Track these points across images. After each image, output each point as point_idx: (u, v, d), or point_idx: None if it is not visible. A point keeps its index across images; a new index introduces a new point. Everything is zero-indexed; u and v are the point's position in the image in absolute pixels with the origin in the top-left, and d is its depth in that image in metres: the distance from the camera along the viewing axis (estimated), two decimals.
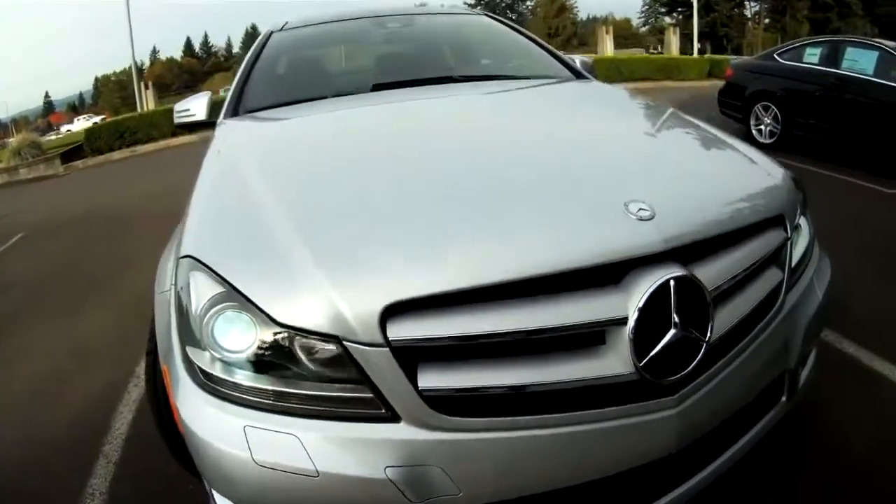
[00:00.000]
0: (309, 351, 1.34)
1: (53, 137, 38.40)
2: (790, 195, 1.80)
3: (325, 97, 2.85)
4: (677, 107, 2.63)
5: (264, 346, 1.35)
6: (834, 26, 63.57)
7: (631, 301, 1.30)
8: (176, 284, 1.60)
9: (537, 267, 1.31)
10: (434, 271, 1.32)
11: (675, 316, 1.32)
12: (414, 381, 1.29)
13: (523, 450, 1.34)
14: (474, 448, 1.32)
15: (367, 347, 1.28)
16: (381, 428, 1.32)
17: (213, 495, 1.53)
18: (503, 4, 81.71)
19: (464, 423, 1.31)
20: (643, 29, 79.86)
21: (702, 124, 2.32)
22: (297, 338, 1.33)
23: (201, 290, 1.43)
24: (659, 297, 1.30)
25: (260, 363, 1.37)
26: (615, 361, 1.32)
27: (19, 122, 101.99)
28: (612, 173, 1.69)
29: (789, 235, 1.70)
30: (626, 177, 1.65)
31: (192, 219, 1.77)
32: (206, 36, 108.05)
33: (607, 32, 30.35)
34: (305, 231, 1.49)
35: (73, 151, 18.74)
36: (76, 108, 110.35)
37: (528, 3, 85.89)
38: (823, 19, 65.68)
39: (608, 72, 20.95)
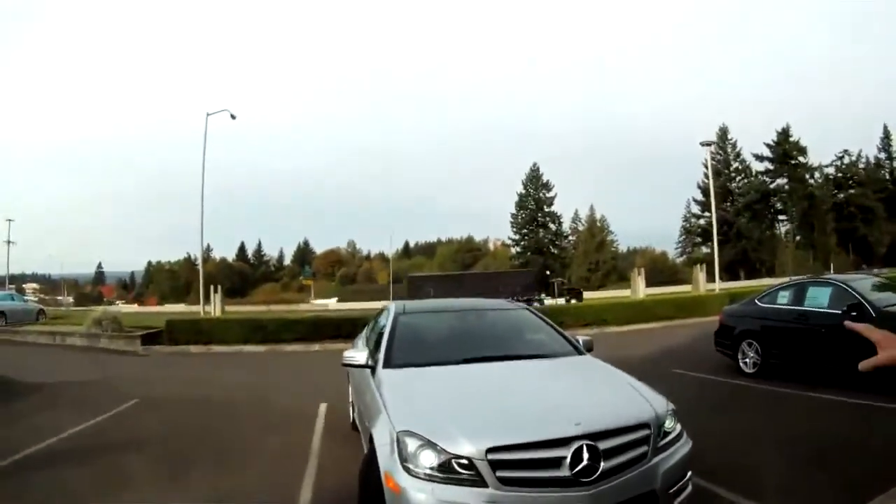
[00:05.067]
0: (457, 462, 3.59)
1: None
2: (657, 412, 4.05)
3: (439, 362, 5.20)
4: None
5: (440, 460, 3.61)
6: (861, 233, 67.49)
7: (569, 451, 3.57)
8: (394, 441, 3.80)
9: (540, 437, 3.66)
10: (499, 435, 3.66)
11: (584, 456, 3.57)
12: (494, 473, 3.51)
13: (527, 500, 3.50)
14: (511, 498, 3.49)
15: (480, 461, 3.54)
16: (482, 489, 3.51)
17: None
18: (546, 240, 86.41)
19: (509, 490, 3.50)
20: (679, 260, 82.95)
21: (628, 378, 4.79)
22: (453, 458, 3.59)
23: (411, 443, 3.72)
24: (580, 450, 3.57)
25: (437, 467, 3.60)
26: (565, 472, 3.55)
27: (69, 284, 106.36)
28: (572, 408, 4.12)
29: (651, 431, 3.92)
30: (576, 409, 4.08)
31: (395, 412, 4.10)
32: (259, 244, 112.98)
33: (639, 274, 35.94)
34: (450, 416, 3.93)
35: (150, 335, 20.53)
36: (126, 285, 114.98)
37: (571, 238, 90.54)
38: (851, 228, 68.99)
39: (638, 313, 23.51)
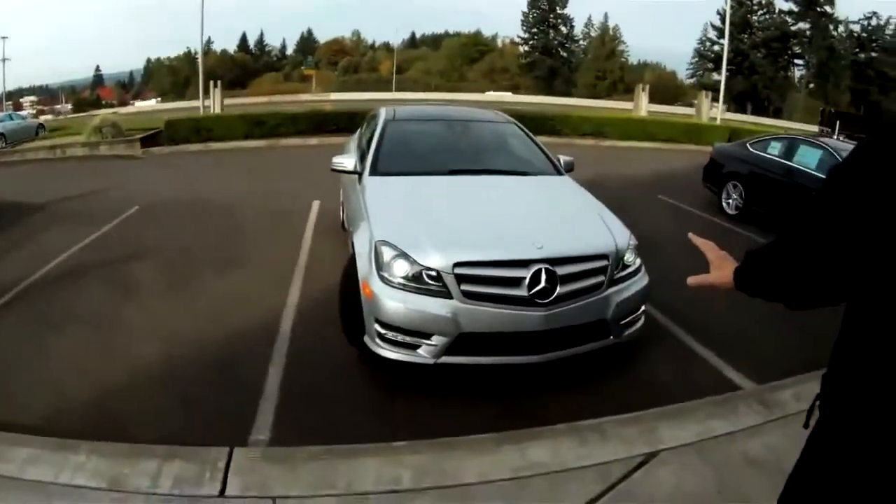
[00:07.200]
0: (427, 273, 3.92)
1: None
2: (618, 245, 4.28)
3: (423, 172, 5.46)
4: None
5: (412, 271, 3.94)
6: (874, 98, 64.49)
7: (529, 272, 3.89)
8: (372, 249, 4.10)
9: (504, 256, 3.99)
10: (466, 251, 3.98)
11: (542, 278, 3.89)
12: (459, 286, 3.86)
13: (486, 314, 3.90)
14: (472, 311, 3.88)
15: (447, 273, 3.88)
16: (447, 301, 3.90)
17: (375, 326, 4.01)
18: (555, 41, 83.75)
19: (471, 303, 3.89)
20: (688, 82, 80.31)
21: (598, 205, 5.01)
22: (423, 269, 3.91)
23: (387, 252, 4.02)
24: (539, 273, 3.88)
25: (409, 277, 3.94)
26: (523, 291, 3.89)
27: (66, 92, 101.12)
28: (537, 231, 4.30)
29: (609, 263, 4.17)
30: (540, 232, 4.25)
31: (375, 221, 4.37)
32: (262, 34, 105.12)
33: (643, 90, 34.16)
34: (425, 229, 4.20)
35: (150, 137, 20.68)
36: (125, 85, 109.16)
37: (582, 42, 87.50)
38: (865, 90, 66.49)
39: (637, 131, 23.64)
